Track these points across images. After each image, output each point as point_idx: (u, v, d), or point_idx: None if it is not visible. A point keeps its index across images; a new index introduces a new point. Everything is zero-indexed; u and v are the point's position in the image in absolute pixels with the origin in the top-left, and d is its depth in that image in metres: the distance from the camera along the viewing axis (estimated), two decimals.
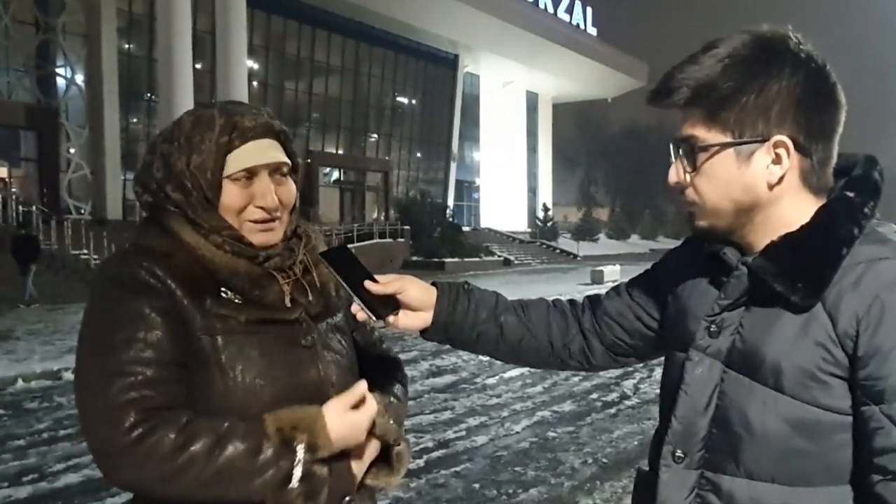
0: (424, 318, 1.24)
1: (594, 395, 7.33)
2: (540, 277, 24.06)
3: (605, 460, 5.19)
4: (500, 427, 6.15)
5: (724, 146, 0.98)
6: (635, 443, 5.62)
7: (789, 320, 0.96)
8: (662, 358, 1.34)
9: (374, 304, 1.17)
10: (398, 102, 37.51)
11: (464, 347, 1.29)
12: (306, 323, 1.22)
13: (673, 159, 1.04)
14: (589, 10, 44.15)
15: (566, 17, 41.91)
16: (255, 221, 1.18)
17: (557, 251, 38.16)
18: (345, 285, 1.16)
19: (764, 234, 1.01)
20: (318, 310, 1.24)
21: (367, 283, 1.18)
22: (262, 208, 1.17)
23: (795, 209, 1.00)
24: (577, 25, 43.06)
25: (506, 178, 43.74)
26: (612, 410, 6.72)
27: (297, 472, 1.07)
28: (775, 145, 0.97)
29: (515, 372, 8.49)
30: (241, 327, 1.14)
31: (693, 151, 1.01)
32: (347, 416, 1.14)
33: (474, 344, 1.28)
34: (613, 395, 7.32)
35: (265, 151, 1.18)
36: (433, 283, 1.27)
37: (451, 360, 9.40)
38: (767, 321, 0.98)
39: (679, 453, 1.04)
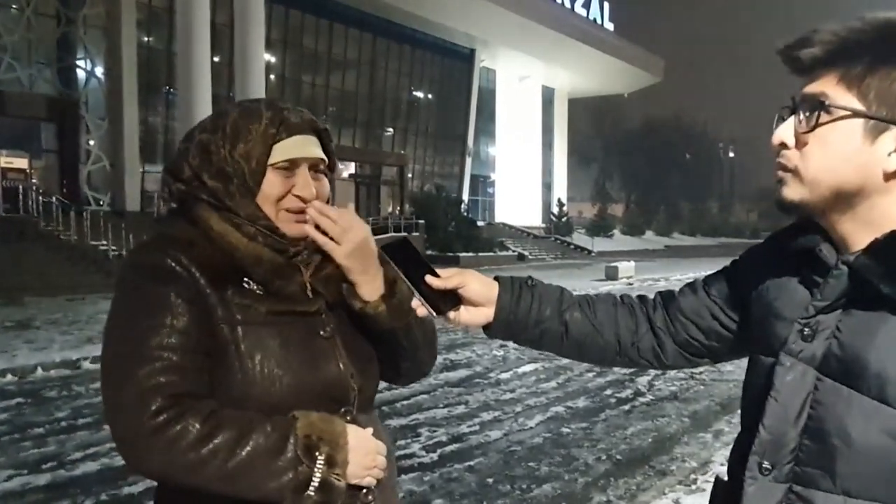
0: (486, 314, 1.20)
1: (608, 392, 7.32)
2: (554, 273, 23.99)
3: (619, 457, 5.19)
4: (513, 422, 6.15)
5: (857, 115, 0.89)
6: (649, 440, 5.61)
7: None
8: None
9: (434, 299, 1.15)
10: (414, 97, 37.50)
11: (527, 344, 1.24)
12: (326, 314, 1.23)
13: (781, 120, 0.96)
14: (606, 5, 43.85)
15: (583, 12, 41.64)
16: (291, 211, 1.20)
17: (572, 247, 38.03)
18: (405, 279, 1.15)
19: (864, 227, 0.92)
20: (337, 300, 1.25)
21: (428, 278, 1.16)
22: (299, 198, 1.20)
23: None
24: (595, 20, 42.77)
25: (521, 174, 43.61)
26: (627, 407, 6.70)
27: (316, 480, 1.07)
28: None
29: (529, 367, 8.49)
30: (261, 318, 1.15)
31: (817, 111, 0.91)
32: (369, 453, 1.14)
33: (538, 341, 1.23)
34: (627, 392, 7.30)
35: (307, 146, 1.22)
36: (496, 278, 1.23)
37: (465, 354, 9.41)
38: (870, 326, 0.90)
39: (766, 465, 0.96)
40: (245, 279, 1.17)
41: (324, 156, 1.26)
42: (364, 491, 1.16)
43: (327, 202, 1.27)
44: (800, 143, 0.93)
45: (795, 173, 0.94)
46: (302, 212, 1.21)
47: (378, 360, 1.31)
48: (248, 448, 1.04)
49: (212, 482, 1.05)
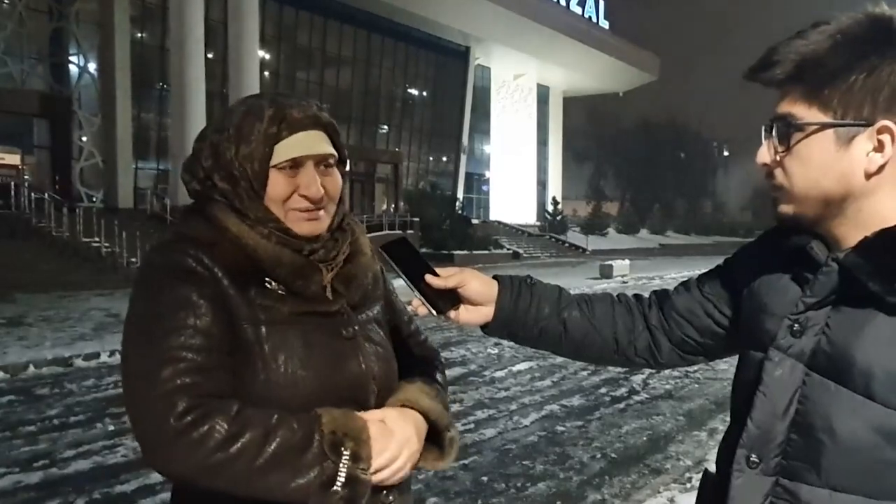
0: (485, 313, 1.21)
1: (603, 390, 7.32)
2: (549, 271, 24.01)
3: (613, 455, 5.19)
4: (508, 420, 6.15)
5: (824, 126, 0.92)
6: (644, 438, 5.62)
7: (883, 322, 0.89)
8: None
9: (434, 299, 1.16)
10: (409, 94, 37.48)
11: (526, 343, 1.26)
12: (347, 314, 1.22)
13: (764, 139, 0.98)
14: (601, 2, 43.91)
15: (578, 10, 41.69)
16: (300, 210, 1.19)
17: (566, 245, 38.05)
18: (405, 279, 1.15)
19: (855, 228, 0.94)
20: (357, 301, 1.24)
21: (428, 277, 1.16)
22: (305, 198, 1.18)
23: (893, 203, 0.93)
24: (590, 18, 42.83)
25: (515, 172, 43.64)
26: (621, 405, 6.71)
27: (342, 476, 1.06)
28: (879, 131, 0.90)
29: (524, 365, 8.49)
30: (284, 318, 1.15)
31: (788, 130, 0.94)
32: (390, 446, 1.12)
33: (536, 340, 1.25)
34: (622, 390, 7.30)
35: (312, 142, 1.19)
36: (495, 277, 1.24)
37: (459, 352, 9.41)
38: (858, 322, 0.91)
39: (754, 458, 0.98)
40: (266, 279, 1.16)
41: (332, 150, 1.22)
42: (385, 492, 1.16)
43: (340, 197, 1.25)
44: (780, 163, 0.96)
45: (784, 191, 0.97)
46: (310, 210, 1.19)
47: (398, 360, 1.31)
48: (275, 445, 1.03)
49: (238, 482, 1.03)
